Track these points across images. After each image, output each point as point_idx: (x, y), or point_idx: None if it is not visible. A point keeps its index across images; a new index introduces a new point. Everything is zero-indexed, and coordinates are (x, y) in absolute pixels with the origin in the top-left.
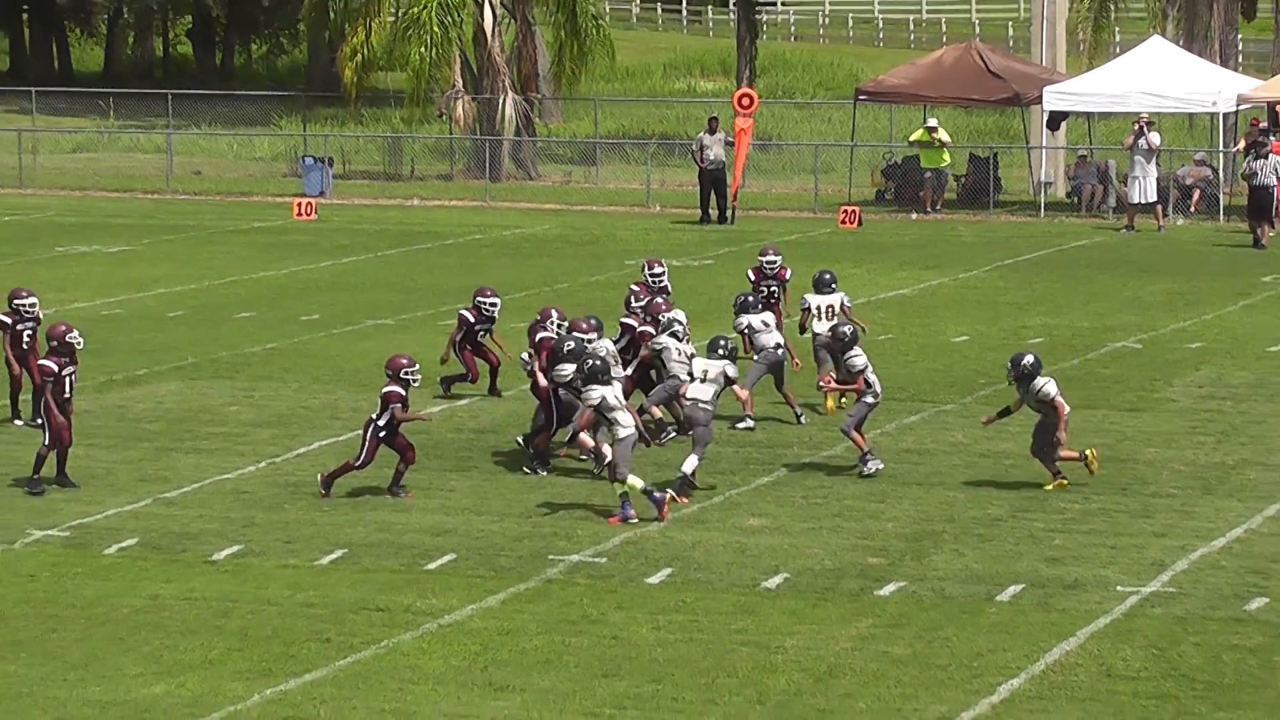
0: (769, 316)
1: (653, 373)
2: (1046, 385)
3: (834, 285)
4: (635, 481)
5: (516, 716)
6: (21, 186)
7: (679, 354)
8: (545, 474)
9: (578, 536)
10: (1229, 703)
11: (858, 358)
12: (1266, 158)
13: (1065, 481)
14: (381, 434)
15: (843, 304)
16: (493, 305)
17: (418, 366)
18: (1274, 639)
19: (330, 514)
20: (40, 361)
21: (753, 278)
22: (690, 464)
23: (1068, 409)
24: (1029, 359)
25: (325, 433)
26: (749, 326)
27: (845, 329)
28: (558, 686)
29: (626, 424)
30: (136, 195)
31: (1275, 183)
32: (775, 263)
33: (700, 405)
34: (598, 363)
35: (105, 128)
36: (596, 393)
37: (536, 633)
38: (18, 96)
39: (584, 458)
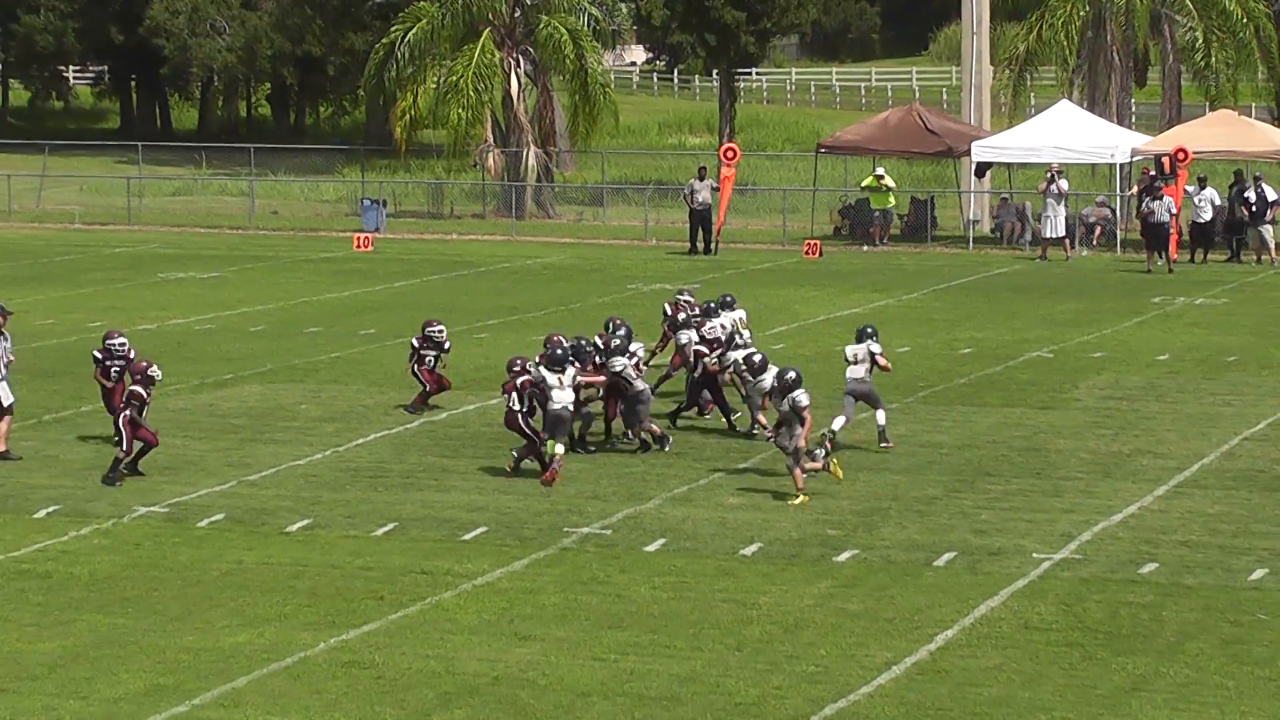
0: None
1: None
2: (801, 396)
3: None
4: (558, 448)
5: (537, 661)
6: (130, 224)
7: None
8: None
9: (588, 512)
10: (1126, 650)
11: (764, 383)
12: (1161, 199)
13: (808, 499)
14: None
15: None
16: (439, 333)
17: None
18: (1163, 597)
19: (384, 494)
20: (132, 388)
21: None
22: (838, 423)
23: (810, 422)
24: (791, 374)
25: (380, 427)
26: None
27: (756, 356)
28: (571, 636)
29: (560, 400)
30: (224, 231)
31: (1169, 219)
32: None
33: (862, 380)
34: (559, 352)
35: (199, 175)
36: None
37: (554, 592)
38: (127, 150)
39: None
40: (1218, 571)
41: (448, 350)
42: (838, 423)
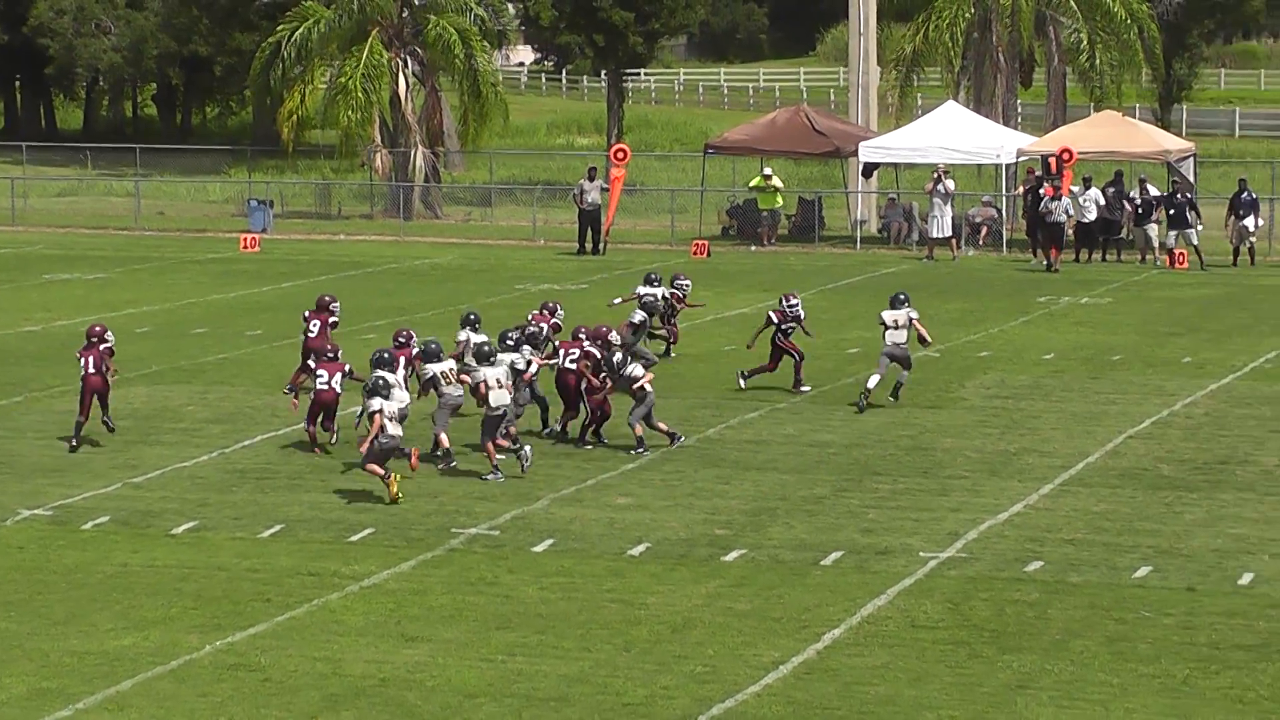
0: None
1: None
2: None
3: (907, 299)
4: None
5: (425, 662)
6: (14, 225)
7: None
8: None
9: (476, 513)
10: (1011, 647)
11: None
12: (1060, 199)
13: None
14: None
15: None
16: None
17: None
18: (1048, 595)
19: (271, 495)
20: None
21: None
22: (873, 380)
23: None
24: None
25: (267, 428)
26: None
27: (485, 347)
28: (459, 637)
29: (449, 392)
30: (110, 232)
31: (1065, 219)
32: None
33: (900, 345)
34: (433, 347)
35: (84, 176)
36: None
37: (441, 593)
38: (11, 150)
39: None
40: (1102, 569)
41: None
42: (872, 380)
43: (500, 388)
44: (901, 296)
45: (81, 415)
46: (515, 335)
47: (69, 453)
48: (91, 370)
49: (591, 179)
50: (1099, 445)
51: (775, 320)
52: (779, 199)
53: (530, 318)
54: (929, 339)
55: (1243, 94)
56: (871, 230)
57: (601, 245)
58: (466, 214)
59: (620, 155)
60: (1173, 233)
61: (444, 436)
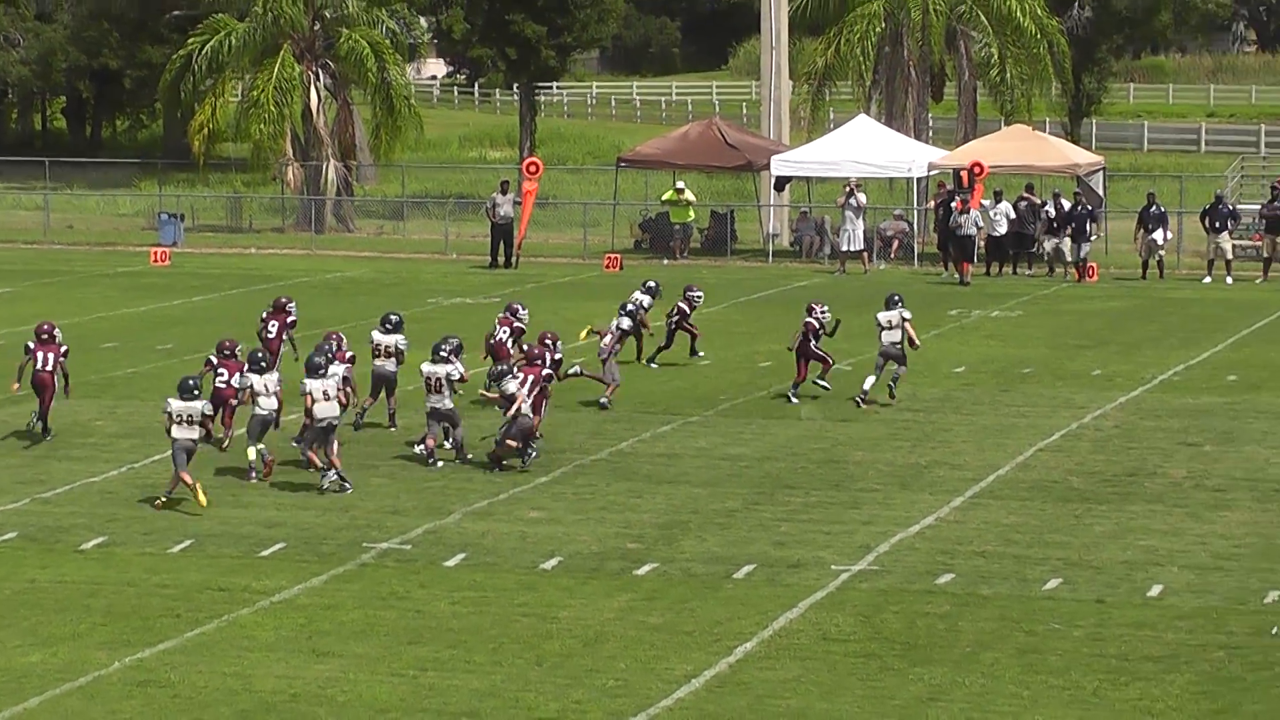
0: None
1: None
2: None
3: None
4: (251, 451)
5: (336, 677)
6: None
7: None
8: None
9: (387, 527)
10: (923, 659)
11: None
12: (969, 212)
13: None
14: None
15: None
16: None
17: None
18: (959, 607)
19: (180, 510)
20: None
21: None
22: (869, 381)
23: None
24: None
25: None
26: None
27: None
28: (370, 652)
29: (264, 407)
30: (19, 245)
31: (974, 232)
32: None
33: (896, 344)
34: (260, 357)
35: None
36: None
37: (353, 607)
38: None
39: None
40: (1013, 582)
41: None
42: (868, 382)
43: (328, 400)
44: (895, 297)
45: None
46: (447, 350)
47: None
48: (40, 366)
49: (504, 192)
50: (1009, 458)
51: (807, 331)
52: (691, 212)
53: (497, 321)
54: (918, 342)
55: (1151, 108)
56: (784, 244)
57: (514, 259)
58: (379, 227)
59: (533, 169)
60: (1072, 244)
61: (312, 455)
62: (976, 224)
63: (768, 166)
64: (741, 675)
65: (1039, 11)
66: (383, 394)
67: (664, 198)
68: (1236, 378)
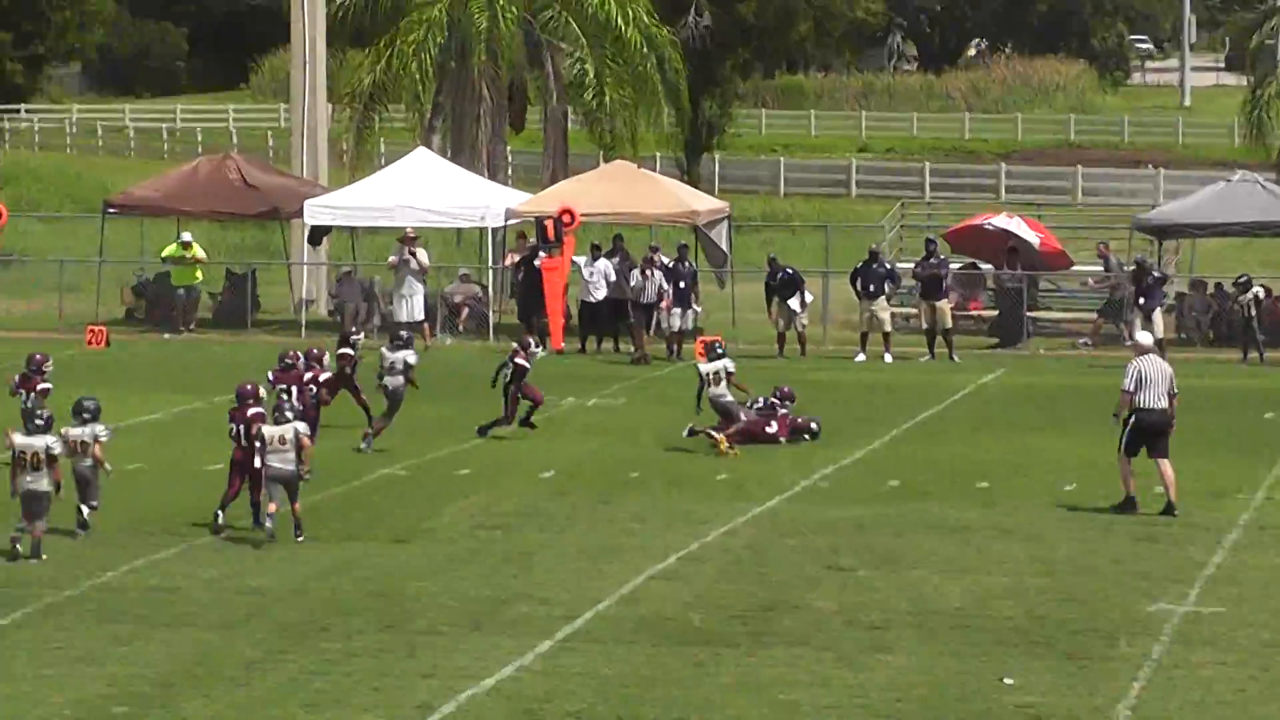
0: None
1: None
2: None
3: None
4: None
5: None
6: None
7: None
8: None
9: None
10: None
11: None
12: (652, 276)
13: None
14: None
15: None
16: None
17: None
18: None
19: None
20: None
21: None
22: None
23: None
24: None
25: None
26: None
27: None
28: None
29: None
30: None
31: (655, 300)
32: None
33: (723, 394)
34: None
35: None
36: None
37: None
38: None
39: None
40: None
41: None
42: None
43: None
44: (719, 348)
45: None
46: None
47: None
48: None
49: None
50: (612, 588)
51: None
52: (199, 273)
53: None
54: (746, 391)
55: (789, 140)
56: (321, 312)
57: None
58: None
59: None
60: (676, 311)
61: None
62: (662, 287)
63: (300, 213)
64: None
65: (645, 19)
66: None
67: (165, 254)
68: (899, 483)
